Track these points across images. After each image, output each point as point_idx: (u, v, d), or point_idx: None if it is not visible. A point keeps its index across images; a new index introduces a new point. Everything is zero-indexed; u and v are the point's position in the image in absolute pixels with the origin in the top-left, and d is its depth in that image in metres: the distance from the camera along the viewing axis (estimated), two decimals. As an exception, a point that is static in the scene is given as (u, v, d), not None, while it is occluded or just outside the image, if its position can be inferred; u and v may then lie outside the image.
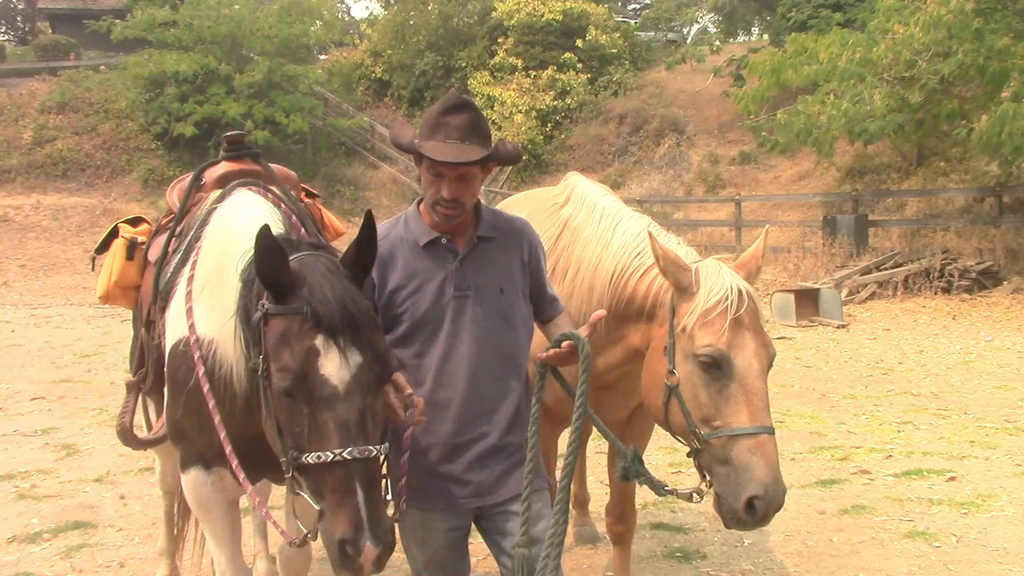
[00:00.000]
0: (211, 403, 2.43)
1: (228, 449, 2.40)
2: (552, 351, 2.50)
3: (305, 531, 2.18)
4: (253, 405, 2.33)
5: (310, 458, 2.03)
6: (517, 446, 2.55)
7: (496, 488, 2.51)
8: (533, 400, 2.52)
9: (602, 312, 2.54)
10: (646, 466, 2.70)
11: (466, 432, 2.48)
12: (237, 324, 2.30)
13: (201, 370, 2.47)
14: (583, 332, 2.47)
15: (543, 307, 2.69)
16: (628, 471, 2.66)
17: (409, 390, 2.32)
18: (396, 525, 2.16)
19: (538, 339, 2.70)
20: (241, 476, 2.40)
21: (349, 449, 2.02)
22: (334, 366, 2.06)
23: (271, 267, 2.11)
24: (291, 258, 2.21)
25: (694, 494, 2.59)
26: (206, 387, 2.44)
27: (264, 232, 2.07)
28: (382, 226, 2.60)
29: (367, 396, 2.10)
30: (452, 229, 2.53)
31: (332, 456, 2.01)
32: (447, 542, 2.52)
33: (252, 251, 2.15)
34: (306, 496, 2.10)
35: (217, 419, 2.42)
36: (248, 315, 2.23)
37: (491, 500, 2.51)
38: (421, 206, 2.58)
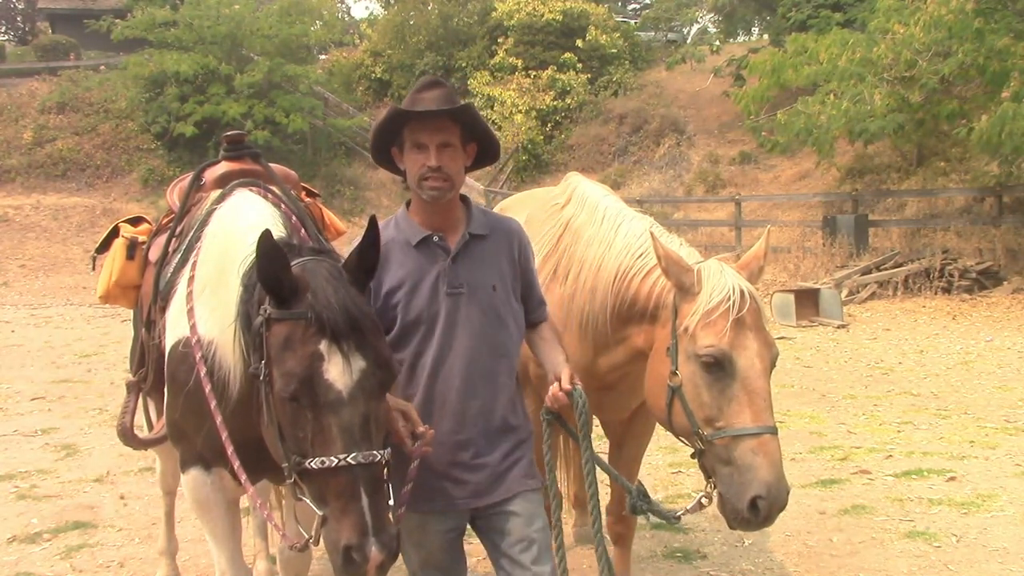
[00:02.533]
0: (213, 403, 2.43)
1: (230, 450, 2.39)
2: (557, 402, 2.51)
3: (307, 536, 2.17)
4: (250, 408, 2.33)
5: (314, 463, 2.02)
6: (514, 445, 2.55)
7: (494, 488, 2.50)
8: (544, 448, 2.56)
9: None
10: (647, 485, 2.74)
11: (465, 430, 2.48)
12: (237, 328, 2.29)
13: (203, 370, 2.46)
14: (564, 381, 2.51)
15: (531, 307, 2.69)
16: (636, 507, 2.69)
17: (422, 427, 2.32)
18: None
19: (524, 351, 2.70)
20: (243, 477, 2.40)
21: (354, 454, 2.01)
22: (338, 371, 2.05)
23: (273, 272, 2.10)
24: (293, 263, 2.20)
25: (701, 500, 2.60)
26: (208, 387, 2.44)
27: (265, 236, 2.06)
28: None
29: (371, 401, 2.09)
30: (443, 226, 2.52)
31: (336, 461, 2.00)
32: (443, 544, 2.52)
33: (253, 255, 2.14)
34: (308, 502, 2.09)
35: (219, 420, 2.41)
36: (249, 320, 2.22)
37: (488, 500, 2.50)
38: (410, 206, 2.58)
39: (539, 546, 2.50)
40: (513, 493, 2.51)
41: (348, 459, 2.00)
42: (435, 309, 2.46)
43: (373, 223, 2.25)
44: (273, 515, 2.54)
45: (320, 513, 2.04)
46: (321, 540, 2.06)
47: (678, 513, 2.68)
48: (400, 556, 2.52)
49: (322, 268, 2.18)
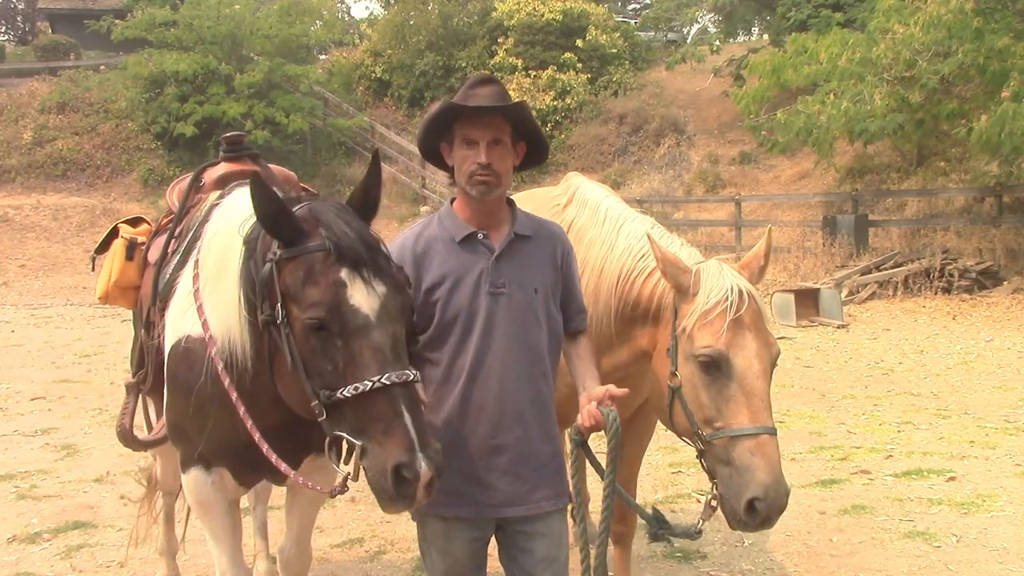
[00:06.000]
0: (234, 395, 2.42)
1: (257, 436, 2.38)
2: (591, 419, 2.43)
3: (346, 472, 2.11)
4: (259, 402, 2.33)
5: (347, 391, 2.02)
6: (550, 456, 2.50)
7: (525, 499, 2.45)
8: (572, 470, 2.53)
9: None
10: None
11: (500, 434, 2.42)
12: (241, 295, 2.29)
13: (220, 365, 2.44)
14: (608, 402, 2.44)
15: (569, 315, 2.63)
16: (657, 536, 2.67)
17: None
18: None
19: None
20: (273, 458, 2.37)
21: (388, 374, 2.02)
22: (363, 295, 2.08)
23: (271, 212, 2.13)
24: (299, 206, 2.24)
25: (711, 504, 2.58)
26: (227, 381, 2.42)
27: (255, 179, 2.09)
28: (415, 225, 2.62)
29: (396, 323, 2.12)
30: (488, 224, 2.49)
31: (371, 384, 2.01)
32: (469, 552, 2.48)
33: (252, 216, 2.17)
34: (343, 434, 2.06)
35: (242, 410, 2.40)
36: (252, 279, 2.24)
37: (517, 512, 2.45)
38: (455, 203, 2.56)
39: (560, 563, 2.50)
40: (543, 511, 2.47)
41: (383, 380, 2.01)
42: (475, 308, 2.42)
43: (376, 160, 2.27)
44: (273, 513, 2.54)
45: (358, 443, 2.03)
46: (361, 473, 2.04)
47: (698, 527, 2.65)
48: (402, 555, 2.51)
49: (328, 205, 2.22)
